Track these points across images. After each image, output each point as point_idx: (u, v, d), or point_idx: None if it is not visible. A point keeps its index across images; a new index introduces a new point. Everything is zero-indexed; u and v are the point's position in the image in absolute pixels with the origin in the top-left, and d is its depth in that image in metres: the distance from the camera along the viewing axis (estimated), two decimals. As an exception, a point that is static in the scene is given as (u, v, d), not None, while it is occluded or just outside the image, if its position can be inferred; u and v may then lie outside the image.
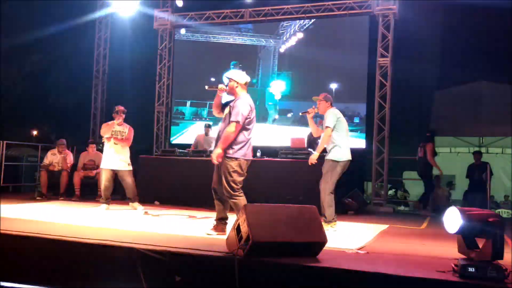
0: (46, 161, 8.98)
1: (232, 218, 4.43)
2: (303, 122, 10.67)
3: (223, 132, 4.77)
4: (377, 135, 9.86)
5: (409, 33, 10.33)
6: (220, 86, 4.94)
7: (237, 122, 4.66)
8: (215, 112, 5.08)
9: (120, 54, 12.66)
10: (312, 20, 10.88)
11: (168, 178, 8.39)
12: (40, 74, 18.22)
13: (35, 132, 21.07)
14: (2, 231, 4.36)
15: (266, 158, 8.23)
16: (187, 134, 11.64)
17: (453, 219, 3.27)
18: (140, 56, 12.71)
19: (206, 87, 5.14)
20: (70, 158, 9.17)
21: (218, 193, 4.99)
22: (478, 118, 9.99)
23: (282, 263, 3.48)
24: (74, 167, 9.06)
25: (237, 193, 4.77)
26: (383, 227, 6.26)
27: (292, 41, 11.08)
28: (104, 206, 7.04)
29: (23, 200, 8.08)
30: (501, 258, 3.20)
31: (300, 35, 11.01)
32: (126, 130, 7.19)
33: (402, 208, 11.30)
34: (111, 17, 12.64)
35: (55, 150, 9.11)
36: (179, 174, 8.37)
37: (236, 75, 4.90)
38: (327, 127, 5.72)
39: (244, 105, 4.72)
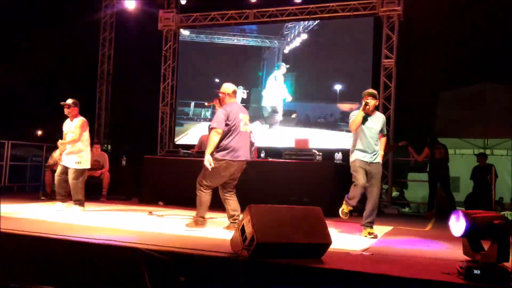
0: (51, 161, 8.99)
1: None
2: (306, 123, 10.68)
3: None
4: (381, 136, 9.83)
5: (414, 34, 10.32)
6: (216, 100, 5.60)
7: (213, 128, 5.13)
8: None
9: (125, 55, 12.70)
10: (317, 21, 10.87)
11: (172, 179, 8.40)
12: (45, 75, 18.27)
13: (39, 132, 21.15)
14: (7, 231, 4.38)
15: (270, 159, 8.23)
16: (191, 135, 11.65)
17: (458, 222, 3.27)
18: (144, 56, 12.74)
19: (206, 103, 5.87)
20: (74, 158, 9.17)
21: (225, 191, 5.46)
22: (483, 120, 9.96)
23: (286, 264, 3.48)
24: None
25: (204, 188, 5.25)
26: (387, 228, 6.24)
27: (297, 42, 11.06)
28: (61, 204, 6.64)
29: (28, 200, 8.11)
30: (507, 260, 3.19)
31: (304, 36, 11.00)
32: (73, 125, 6.71)
33: (407, 209, 11.27)
34: (116, 17, 12.68)
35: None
36: (183, 174, 8.35)
37: (224, 88, 5.43)
38: (384, 135, 5.68)
39: (220, 112, 5.20)
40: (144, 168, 8.71)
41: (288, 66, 11.06)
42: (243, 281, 3.40)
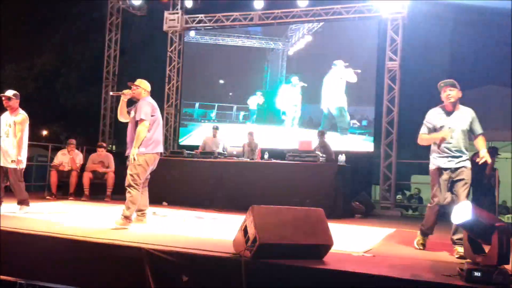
0: (56, 161, 9.06)
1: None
2: (310, 124, 10.70)
3: (135, 132, 5.20)
4: (385, 138, 9.86)
5: (418, 36, 10.33)
6: (125, 91, 5.42)
7: (142, 120, 5.15)
8: (121, 117, 5.53)
9: (130, 56, 12.78)
10: (321, 23, 10.90)
11: (176, 179, 8.45)
12: (51, 75, 18.40)
13: (44, 132, 21.27)
14: (12, 230, 4.44)
15: (273, 161, 8.27)
16: (195, 136, 11.70)
17: (463, 212, 3.30)
18: (149, 57, 12.82)
19: (111, 93, 5.72)
20: (79, 158, 9.25)
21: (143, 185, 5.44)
22: (487, 123, 9.90)
23: (288, 265, 3.51)
24: (83, 167, 9.14)
25: (138, 186, 5.17)
26: (390, 230, 6.26)
27: (301, 44, 11.10)
28: None
29: (33, 199, 8.11)
30: (507, 263, 3.21)
31: (308, 38, 11.03)
32: (12, 120, 6.21)
33: (410, 212, 11.27)
34: (122, 19, 12.76)
35: (65, 150, 9.20)
36: (187, 175, 8.43)
37: (145, 84, 5.46)
38: (481, 134, 4.57)
39: (146, 104, 5.25)
40: (149, 168, 8.75)
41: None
42: (246, 281, 3.43)
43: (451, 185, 4.52)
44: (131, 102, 5.52)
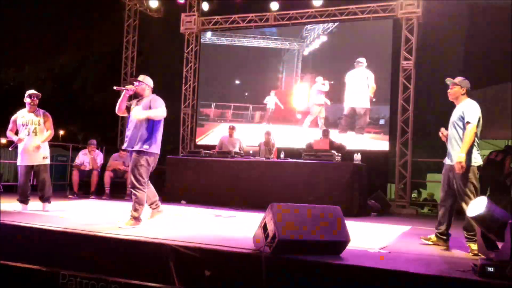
0: (78, 160, 9.32)
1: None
2: (325, 124, 10.79)
3: (139, 128, 5.20)
4: (400, 137, 9.92)
5: (433, 36, 10.36)
6: (128, 86, 5.39)
7: (163, 116, 5.25)
8: (119, 112, 5.50)
9: (147, 57, 12.99)
10: (336, 24, 10.99)
11: (194, 178, 8.63)
12: (69, 76, 18.74)
13: (61, 132, 21.65)
14: (41, 227, 4.66)
15: (289, 160, 8.39)
16: (211, 135, 11.87)
17: (478, 205, 3.42)
18: (166, 58, 13.01)
19: (115, 87, 5.58)
20: (100, 158, 9.49)
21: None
22: (504, 120, 9.92)
23: (306, 260, 3.64)
24: (104, 166, 9.38)
25: (140, 187, 5.14)
26: (405, 228, 6.35)
27: (316, 44, 11.20)
28: (20, 206, 6.36)
29: (56, 198, 8.38)
30: (521, 258, 3.30)
31: (323, 38, 11.13)
32: (36, 119, 6.43)
33: (425, 210, 11.31)
34: (139, 20, 12.98)
35: (86, 150, 9.46)
36: (204, 174, 8.60)
37: (149, 81, 5.46)
38: (468, 122, 4.51)
39: (160, 101, 5.29)
40: (167, 168, 8.96)
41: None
42: (266, 275, 3.58)
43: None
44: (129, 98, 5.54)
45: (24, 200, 6.37)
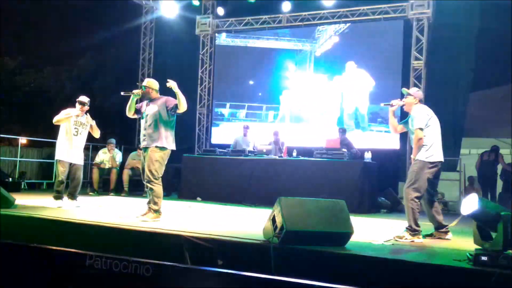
0: (98, 159, 9.70)
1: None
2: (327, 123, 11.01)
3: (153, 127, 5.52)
4: (411, 136, 10.07)
5: (443, 36, 10.49)
6: (135, 91, 5.67)
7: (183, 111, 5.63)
8: (129, 114, 5.79)
9: (164, 58, 13.31)
10: (348, 24, 11.20)
11: (209, 176, 8.92)
12: (88, 78, 19.19)
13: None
14: (70, 220, 5.01)
15: (301, 158, 8.62)
16: (226, 135, 12.16)
17: (470, 204, 3.63)
18: (182, 60, 13.32)
19: (122, 92, 5.80)
20: (119, 156, 9.86)
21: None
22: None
23: (312, 250, 3.90)
24: (122, 165, 9.74)
25: (155, 181, 5.43)
26: (412, 224, 6.52)
27: (328, 45, 11.42)
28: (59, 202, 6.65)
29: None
30: (512, 248, 3.52)
31: (335, 39, 11.34)
32: (85, 121, 6.87)
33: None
34: (156, 23, 13.35)
35: (106, 149, 9.83)
36: (219, 172, 8.88)
37: (154, 84, 5.76)
38: (418, 128, 4.93)
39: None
40: (183, 166, 9.27)
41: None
42: (274, 264, 3.84)
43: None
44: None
45: (61, 196, 6.69)
